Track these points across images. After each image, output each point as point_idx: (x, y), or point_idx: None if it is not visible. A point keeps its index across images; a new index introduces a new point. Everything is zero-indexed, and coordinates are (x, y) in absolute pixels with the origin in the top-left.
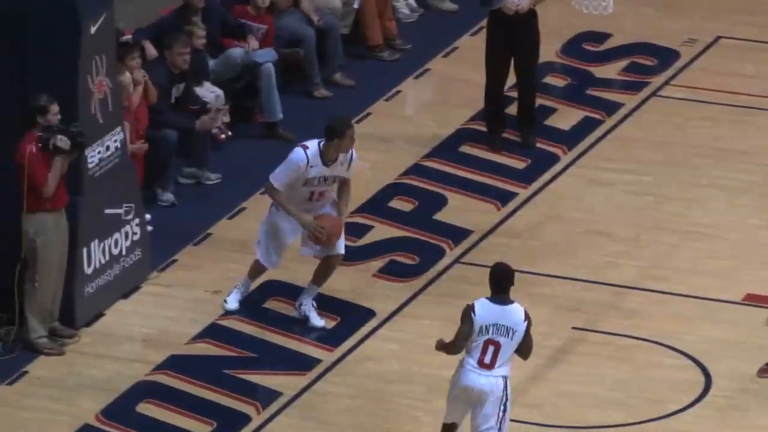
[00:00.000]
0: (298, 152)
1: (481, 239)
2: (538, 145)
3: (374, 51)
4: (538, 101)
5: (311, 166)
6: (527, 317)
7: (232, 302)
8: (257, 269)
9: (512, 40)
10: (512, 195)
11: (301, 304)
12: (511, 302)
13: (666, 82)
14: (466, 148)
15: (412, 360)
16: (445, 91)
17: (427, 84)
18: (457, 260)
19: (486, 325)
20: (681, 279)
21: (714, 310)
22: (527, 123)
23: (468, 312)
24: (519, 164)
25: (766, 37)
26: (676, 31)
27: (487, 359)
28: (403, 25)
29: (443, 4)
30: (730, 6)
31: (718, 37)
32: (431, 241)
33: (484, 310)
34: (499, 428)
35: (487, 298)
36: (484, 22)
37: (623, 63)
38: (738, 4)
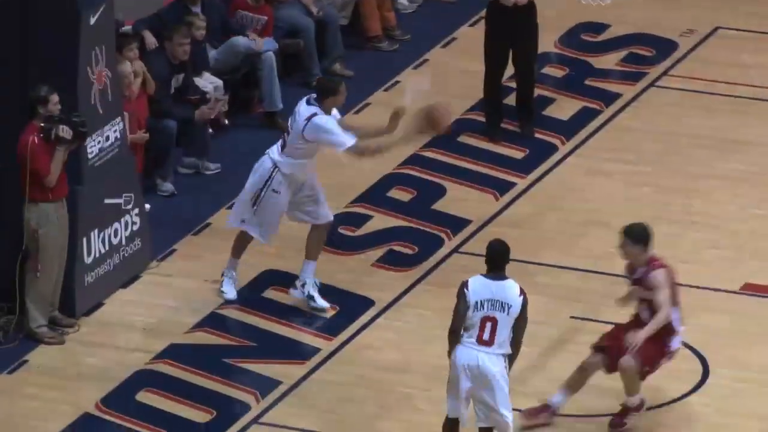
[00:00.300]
0: (322, 117)
1: (479, 229)
2: (537, 135)
3: (373, 41)
4: (537, 91)
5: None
6: (523, 293)
7: (230, 291)
8: (242, 245)
9: (512, 32)
10: (511, 185)
11: (303, 284)
12: (506, 278)
13: (664, 73)
14: (464, 138)
15: (410, 349)
16: (444, 82)
17: (426, 74)
18: (455, 250)
19: (480, 301)
20: (680, 268)
21: (713, 299)
22: (526, 113)
23: (462, 288)
24: (517, 154)
25: (764, 27)
26: (674, 22)
27: (486, 336)
28: (402, 16)
29: None
30: None
31: (717, 28)
32: (430, 230)
33: (478, 285)
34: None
35: (481, 274)
36: (483, 13)
37: (622, 53)
38: None
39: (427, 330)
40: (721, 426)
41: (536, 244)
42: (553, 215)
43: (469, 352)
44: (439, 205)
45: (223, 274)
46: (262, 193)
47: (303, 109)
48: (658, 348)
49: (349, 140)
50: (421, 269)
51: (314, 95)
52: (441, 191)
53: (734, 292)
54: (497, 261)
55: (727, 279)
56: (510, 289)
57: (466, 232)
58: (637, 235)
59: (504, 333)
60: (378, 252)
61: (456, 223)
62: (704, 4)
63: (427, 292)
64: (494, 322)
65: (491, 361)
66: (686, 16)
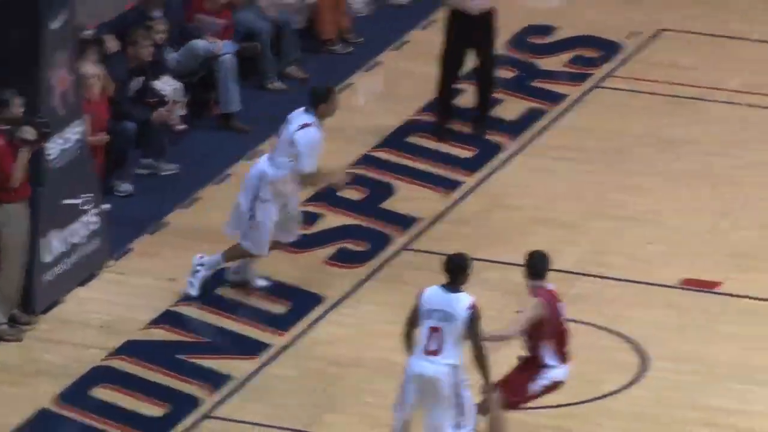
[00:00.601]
0: (313, 132)
1: (428, 226)
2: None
3: (328, 45)
4: None
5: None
6: (473, 308)
7: (195, 289)
8: (237, 255)
9: (473, 37)
10: (459, 183)
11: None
12: (460, 291)
13: (609, 74)
14: (414, 139)
15: (360, 344)
16: (396, 84)
17: (378, 76)
18: (405, 247)
19: (428, 310)
20: (622, 264)
21: (653, 293)
22: (481, 115)
23: (417, 296)
24: (466, 153)
25: (706, 29)
26: (620, 24)
27: (433, 346)
28: (356, 19)
29: None
30: (676, 0)
31: (661, 30)
32: (380, 228)
33: (430, 295)
34: (458, 415)
35: (439, 285)
36: (434, 16)
37: (568, 55)
38: None
39: (377, 325)
40: (660, 417)
41: (484, 241)
42: (500, 212)
43: (417, 362)
44: (390, 204)
45: (202, 265)
46: (255, 204)
47: (298, 116)
48: (523, 381)
49: (312, 167)
50: (372, 266)
51: (315, 100)
52: (391, 190)
53: (673, 287)
54: (452, 273)
55: (666, 274)
56: (459, 301)
57: (415, 230)
58: (527, 260)
59: (451, 344)
60: (330, 249)
61: (406, 221)
62: (648, 7)
63: (378, 288)
64: (440, 332)
65: (438, 372)
66: (631, 18)
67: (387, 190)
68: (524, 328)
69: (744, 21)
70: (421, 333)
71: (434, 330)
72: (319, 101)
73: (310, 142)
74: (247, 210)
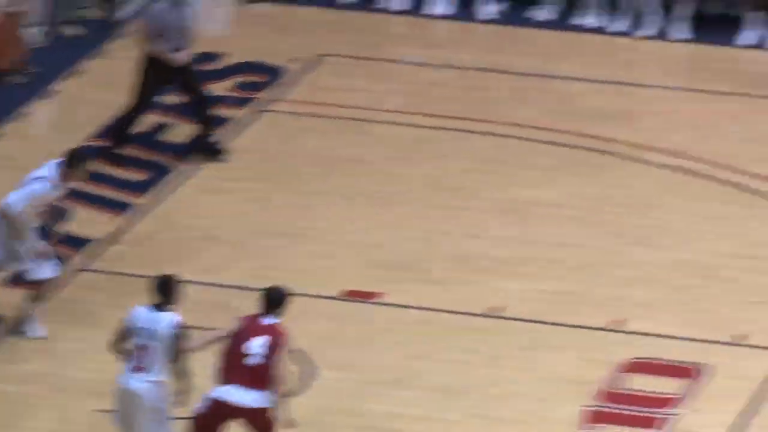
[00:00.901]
0: (41, 187)
1: (102, 248)
2: (155, 157)
3: (4, 75)
4: (154, 118)
5: (54, 193)
6: (177, 327)
7: (39, 329)
8: (43, 289)
9: (174, 81)
10: (132, 206)
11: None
12: (167, 310)
13: (275, 98)
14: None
15: (39, 361)
16: (71, 111)
17: (55, 105)
18: (82, 268)
19: (135, 328)
20: (287, 278)
21: (318, 305)
22: (215, 148)
23: (128, 313)
24: (139, 176)
25: (364, 53)
26: (284, 50)
27: (139, 363)
28: (33, 50)
29: (69, 30)
30: (333, 26)
31: (321, 55)
32: (57, 250)
33: (137, 313)
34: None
35: (147, 304)
36: (108, 46)
37: (235, 80)
38: (340, 24)
39: (53, 343)
40: (325, 423)
41: (156, 260)
42: (171, 233)
43: (124, 377)
44: (66, 227)
45: (28, 317)
46: (16, 242)
47: (49, 167)
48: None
49: (18, 209)
50: (49, 287)
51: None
52: (67, 213)
53: (337, 298)
54: (160, 293)
55: (330, 286)
56: (164, 320)
57: (90, 251)
58: (264, 294)
59: (156, 361)
60: (9, 273)
61: (81, 243)
62: (308, 34)
63: (57, 308)
64: (146, 350)
65: (141, 388)
66: (294, 44)
67: (63, 214)
68: (206, 343)
69: (398, 45)
70: (131, 349)
71: (141, 347)
72: (68, 164)
73: (33, 193)
74: (11, 249)
